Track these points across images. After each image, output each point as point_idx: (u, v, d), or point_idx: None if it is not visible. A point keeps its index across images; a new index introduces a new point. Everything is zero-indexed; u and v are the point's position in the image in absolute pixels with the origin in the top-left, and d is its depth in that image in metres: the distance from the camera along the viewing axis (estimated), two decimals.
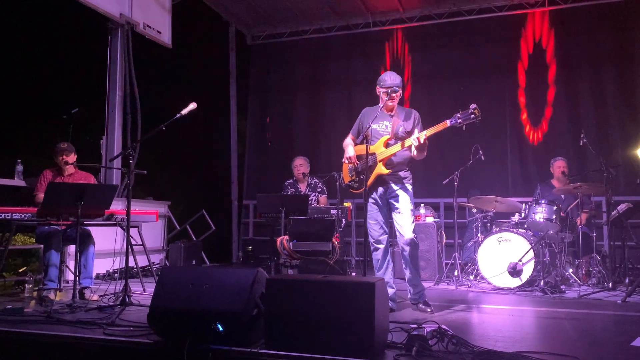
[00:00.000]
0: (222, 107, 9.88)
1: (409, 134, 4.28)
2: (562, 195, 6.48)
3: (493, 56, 8.78)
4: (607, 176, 5.80)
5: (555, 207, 5.83)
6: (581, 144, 5.95)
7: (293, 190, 6.75)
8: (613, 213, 5.87)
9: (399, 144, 4.25)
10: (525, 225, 6.02)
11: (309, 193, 6.67)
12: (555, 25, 8.52)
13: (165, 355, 2.98)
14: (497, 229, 6.06)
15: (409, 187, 4.37)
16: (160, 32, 8.00)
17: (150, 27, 7.78)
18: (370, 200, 4.36)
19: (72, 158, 5.12)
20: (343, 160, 4.49)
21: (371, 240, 4.38)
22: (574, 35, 8.45)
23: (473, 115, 4.00)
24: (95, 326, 3.43)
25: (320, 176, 6.88)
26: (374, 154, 4.31)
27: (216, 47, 9.95)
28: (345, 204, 6.51)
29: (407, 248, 4.25)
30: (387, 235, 4.40)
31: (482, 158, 6.24)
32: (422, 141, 4.09)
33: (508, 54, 8.72)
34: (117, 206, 5.54)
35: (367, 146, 4.04)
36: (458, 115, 4.05)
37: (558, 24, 8.51)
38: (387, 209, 4.40)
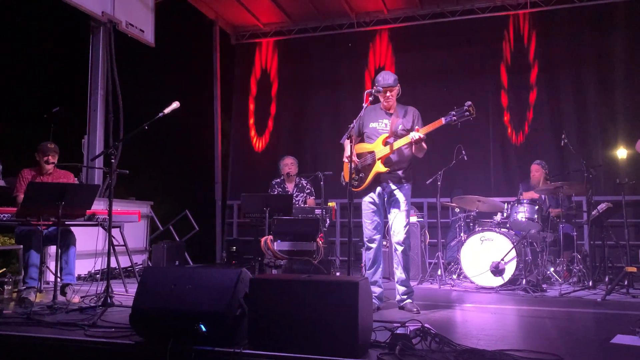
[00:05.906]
0: (206, 107, 9.82)
1: (409, 131, 4.28)
2: (544, 196, 6.54)
3: (476, 57, 8.87)
4: (588, 176, 5.88)
5: (537, 207, 5.90)
6: (562, 144, 6.04)
7: (280, 189, 6.72)
8: (593, 213, 5.95)
9: (396, 142, 4.27)
10: (508, 225, 6.08)
11: (297, 193, 6.66)
12: (537, 27, 8.63)
13: (148, 356, 2.95)
14: (480, 229, 6.11)
15: (408, 187, 4.40)
16: (143, 31, 7.93)
17: (132, 25, 7.71)
18: (368, 199, 4.39)
19: (55, 159, 5.08)
20: (343, 159, 4.45)
21: (364, 239, 4.42)
22: (556, 37, 8.57)
23: (467, 113, 4.07)
24: (76, 327, 3.38)
25: (305, 176, 6.88)
26: (372, 152, 4.34)
27: (200, 47, 9.89)
28: (330, 204, 6.50)
29: (400, 248, 4.30)
30: (380, 235, 4.43)
31: (465, 158, 6.29)
32: (417, 138, 4.13)
33: (491, 55, 8.81)
34: (99, 206, 5.48)
35: (351, 146, 4.05)
36: (453, 112, 4.10)
37: (540, 26, 8.62)
38: (384, 208, 4.43)
